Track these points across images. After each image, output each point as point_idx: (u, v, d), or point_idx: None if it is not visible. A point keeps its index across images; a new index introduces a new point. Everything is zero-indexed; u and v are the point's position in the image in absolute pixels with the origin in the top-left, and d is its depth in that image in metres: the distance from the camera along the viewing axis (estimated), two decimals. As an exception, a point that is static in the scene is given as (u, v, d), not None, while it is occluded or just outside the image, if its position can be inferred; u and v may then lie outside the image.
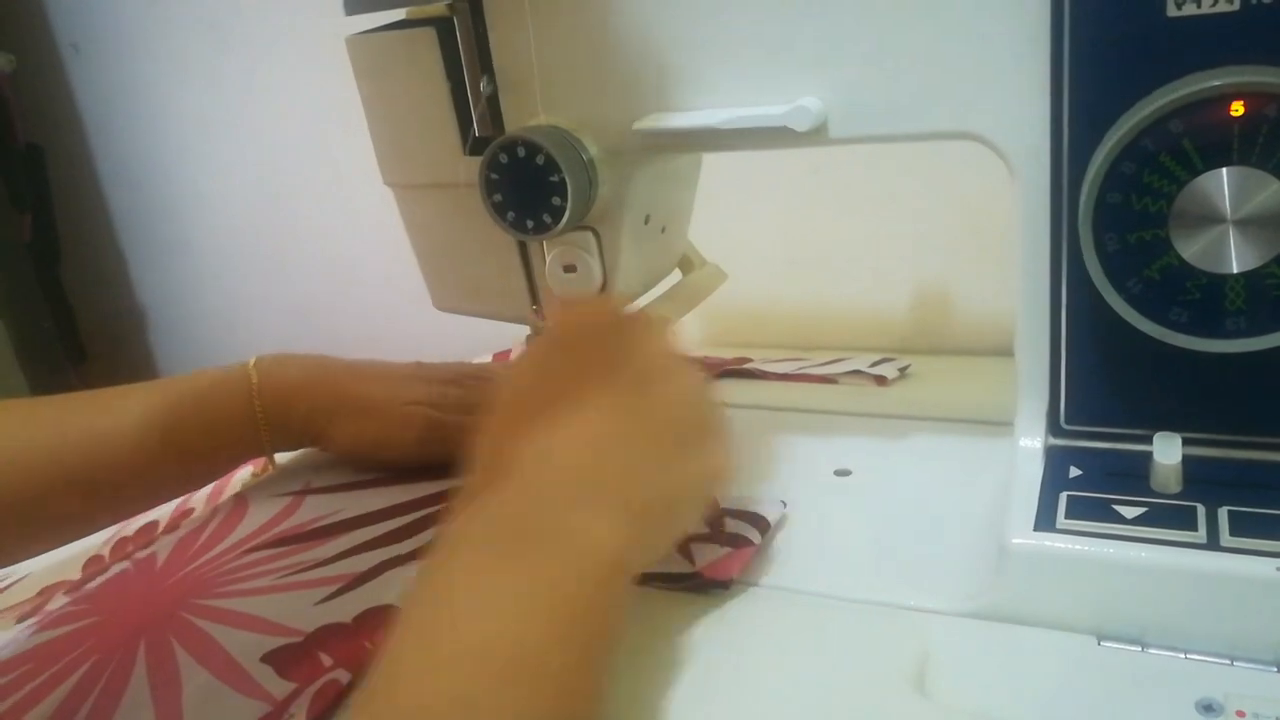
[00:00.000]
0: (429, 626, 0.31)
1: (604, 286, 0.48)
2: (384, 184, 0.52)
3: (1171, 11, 0.34)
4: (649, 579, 0.43)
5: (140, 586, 0.49)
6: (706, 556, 0.43)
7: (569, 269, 0.48)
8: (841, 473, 0.51)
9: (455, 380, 0.58)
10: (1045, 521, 0.37)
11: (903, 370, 0.63)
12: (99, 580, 0.50)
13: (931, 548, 0.43)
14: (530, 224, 0.44)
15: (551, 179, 0.43)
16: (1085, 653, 0.36)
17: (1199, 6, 0.34)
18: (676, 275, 0.57)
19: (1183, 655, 0.35)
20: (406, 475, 0.54)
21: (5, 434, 0.48)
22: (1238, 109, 0.33)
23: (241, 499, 0.56)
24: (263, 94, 0.98)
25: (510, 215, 0.44)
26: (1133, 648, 0.35)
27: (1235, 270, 0.35)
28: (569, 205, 0.43)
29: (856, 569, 0.43)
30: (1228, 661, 0.34)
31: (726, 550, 0.43)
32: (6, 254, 1.09)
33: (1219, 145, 0.34)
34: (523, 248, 0.50)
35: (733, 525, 0.45)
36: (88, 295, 1.20)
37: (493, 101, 0.46)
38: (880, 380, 0.61)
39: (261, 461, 0.57)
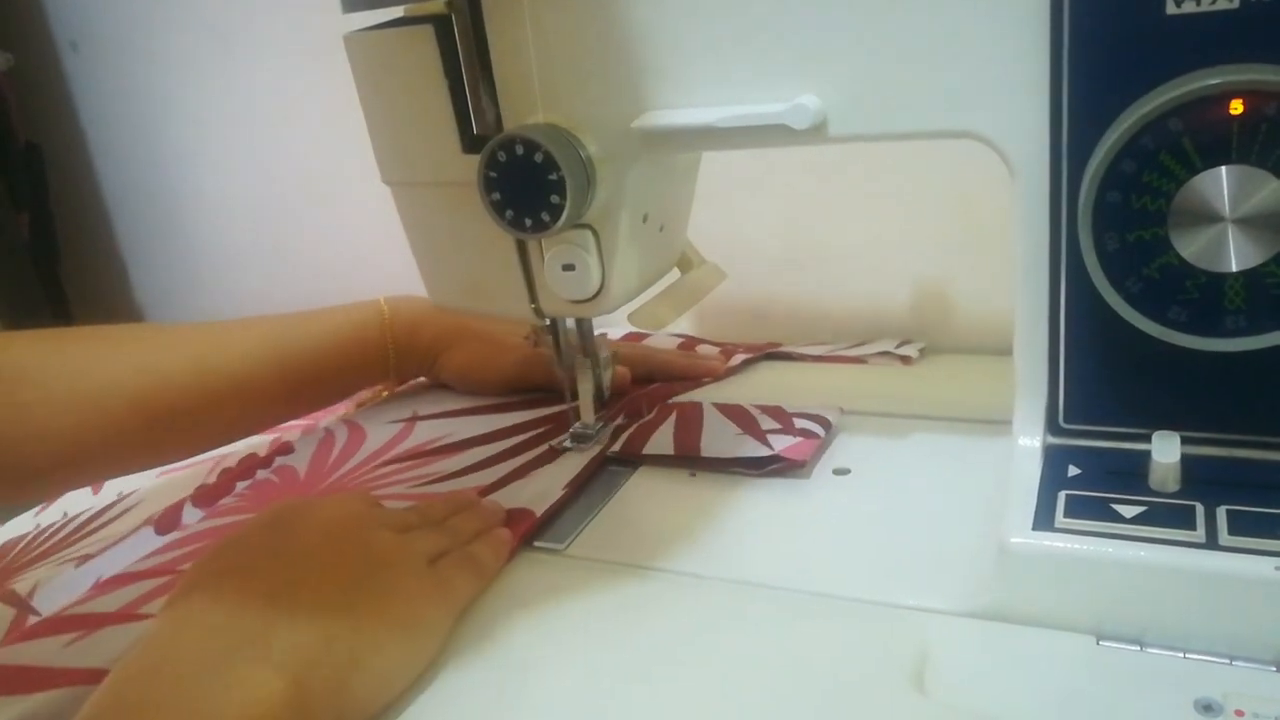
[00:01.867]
0: None
1: (602, 285, 0.48)
2: (382, 182, 0.52)
3: (1171, 9, 0.34)
4: (731, 463, 0.52)
5: (290, 491, 0.57)
6: (783, 443, 0.52)
7: (567, 267, 0.48)
8: (841, 471, 0.51)
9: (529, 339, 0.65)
10: (1044, 521, 0.37)
11: (921, 351, 0.67)
12: (243, 485, 0.58)
13: (930, 547, 0.43)
14: (529, 222, 0.44)
15: (550, 177, 0.43)
16: (1084, 652, 0.36)
17: (1198, 5, 0.34)
18: (675, 274, 0.57)
19: (1181, 655, 0.35)
20: (502, 407, 0.63)
21: (159, 346, 0.55)
22: (1237, 107, 0.33)
23: (355, 425, 0.65)
24: (262, 92, 0.98)
25: (509, 213, 0.44)
26: (1131, 647, 0.35)
27: (1234, 269, 0.35)
28: (567, 204, 0.43)
29: (855, 568, 0.43)
30: (1227, 661, 0.34)
31: (799, 439, 0.52)
32: (6, 254, 1.09)
33: (1218, 144, 0.34)
34: (521, 246, 0.50)
35: (800, 423, 0.54)
36: (88, 295, 1.20)
37: (491, 100, 0.46)
38: (905, 360, 0.65)
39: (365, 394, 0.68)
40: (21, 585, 0.51)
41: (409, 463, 0.58)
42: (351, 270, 1.01)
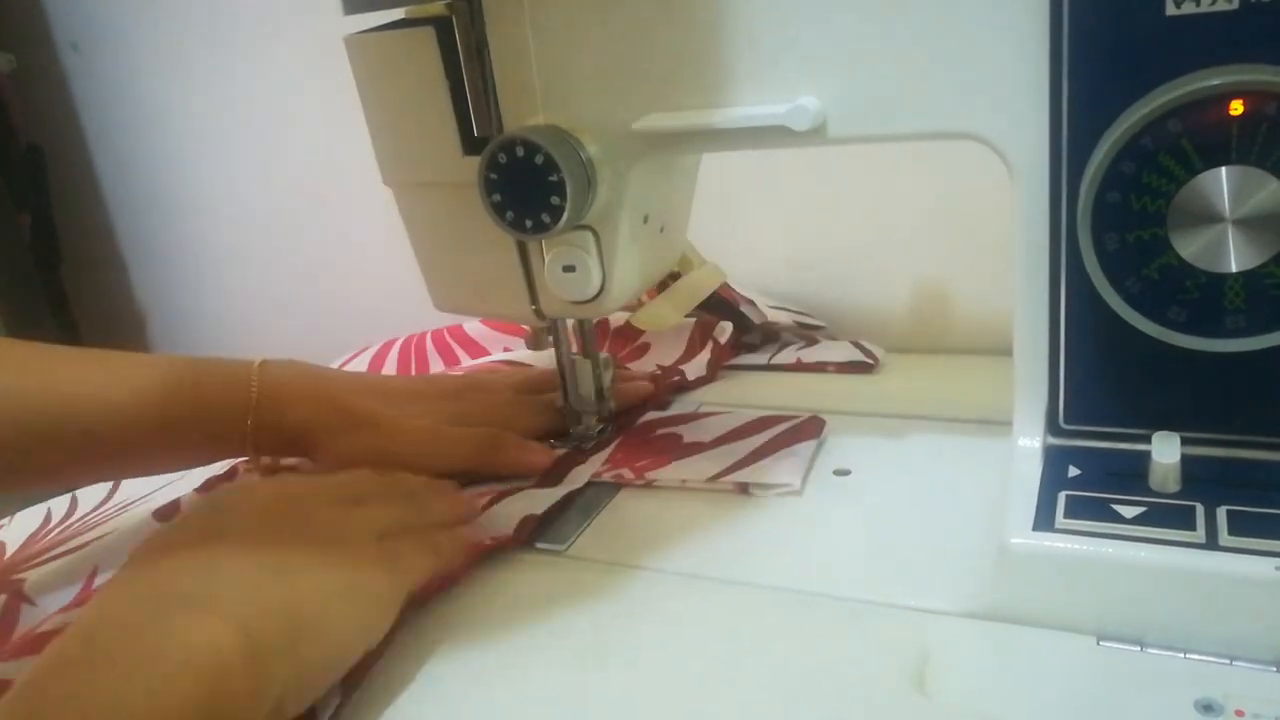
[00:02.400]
0: None
1: (603, 286, 0.48)
2: (383, 184, 0.52)
3: (1170, 10, 0.34)
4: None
5: None
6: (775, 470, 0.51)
7: (568, 268, 0.48)
8: (841, 473, 0.51)
9: (455, 395, 0.58)
10: (1044, 521, 0.37)
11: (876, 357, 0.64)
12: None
13: (930, 548, 0.43)
14: (529, 224, 0.44)
15: (550, 179, 0.43)
16: (1084, 652, 0.36)
17: (1198, 5, 0.34)
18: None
19: (1182, 655, 0.35)
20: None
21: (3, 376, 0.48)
22: (1237, 108, 0.33)
23: None
24: (262, 93, 0.98)
25: (509, 215, 0.44)
26: (1132, 647, 0.35)
27: (1234, 269, 0.35)
28: (568, 205, 0.43)
29: (856, 569, 0.43)
30: (1227, 661, 0.34)
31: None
32: (6, 254, 1.09)
33: (1218, 144, 0.34)
34: (522, 247, 0.50)
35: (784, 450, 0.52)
36: (88, 296, 1.20)
37: (491, 102, 0.46)
38: (867, 367, 0.63)
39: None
40: (21, 575, 0.51)
41: None
42: (351, 271, 1.01)
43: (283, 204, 1.03)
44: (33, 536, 0.59)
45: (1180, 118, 0.34)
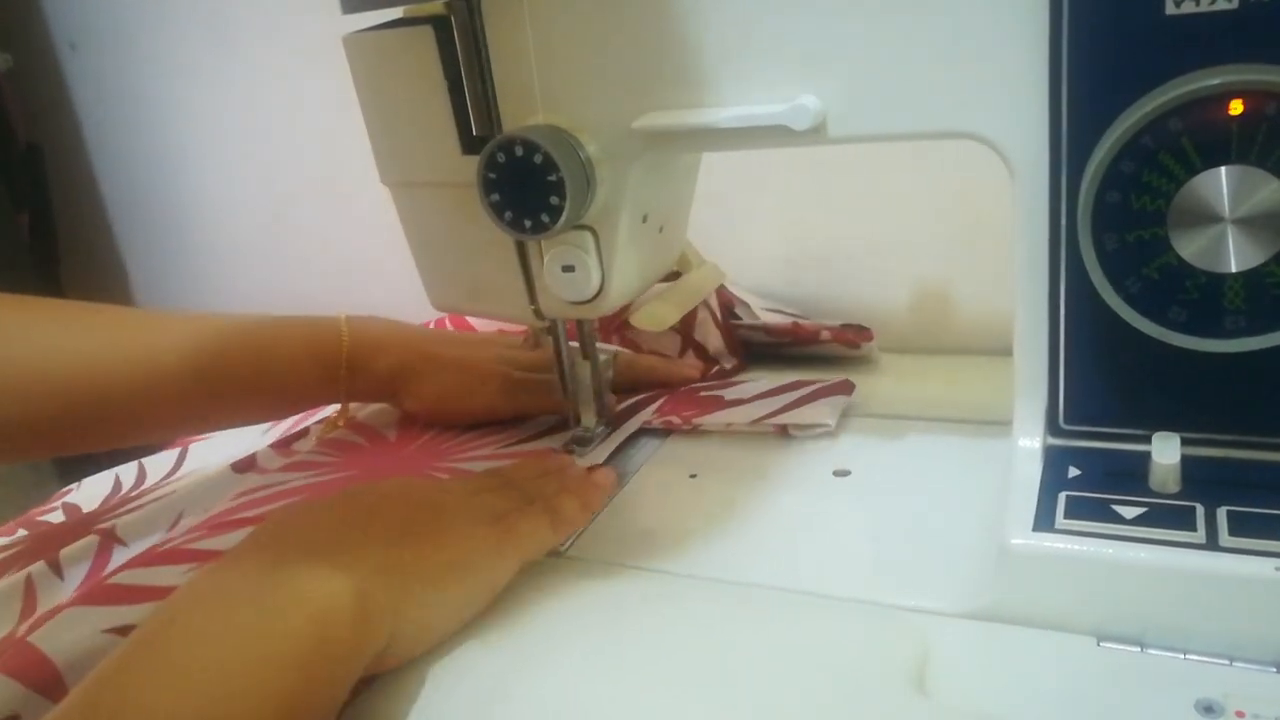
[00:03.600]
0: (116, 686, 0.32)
1: (602, 286, 0.48)
2: (381, 183, 0.52)
3: (1170, 10, 0.34)
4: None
5: (384, 452, 0.59)
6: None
7: (567, 268, 0.48)
8: (841, 473, 0.51)
9: (526, 345, 0.64)
10: (1044, 522, 0.37)
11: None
12: (324, 453, 0.59)
13: (931, 548, 0.43)
14: (528, 223, 0.44)
15: (549, 178, 0.43)
16: (1085, 653, 0.36)
17: (1198, 5, 0.34)
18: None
19: (1182, 655, 0.35)
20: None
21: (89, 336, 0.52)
22: (1236, 107, 0.33)
23: None
24: (261, 93, 0.98)
25: (508, 215, 0.44)
26: (1132, 648, 0.35)
27: (1234, 269, 0.35)
28: (567, 205, 0.43)
29: (856, 569, 0.43)
30: (1227, 662, 0.34)
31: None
32: (6, 254, 1.09)
33: (1218, 144, 0.34)
34: (521, 247, 0.50)
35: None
36: (88, 295, 1.20)
37: (490, 101, 0.46)
38: (861, 333, 0.64)
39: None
40: (109, 522, 0.55)
41: (490, 427, 0.61)
42: (351, 270, 1.01)
43: (281, 203, 1.03)
44: (107, 499, 0.63)
45: (1180, 117, 0.34)
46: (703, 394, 0.62)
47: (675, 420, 0.58)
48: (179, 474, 0.65)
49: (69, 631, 0.42)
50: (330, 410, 0.64)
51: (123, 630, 0.42)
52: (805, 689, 0.36)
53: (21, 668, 0.40)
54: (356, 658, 0.35)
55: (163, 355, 0.52)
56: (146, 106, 1.06)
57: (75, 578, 0.51)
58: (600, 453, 0.56)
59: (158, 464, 0.68)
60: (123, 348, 0.52)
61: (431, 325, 0.77)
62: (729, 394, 0.61)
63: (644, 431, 0.59)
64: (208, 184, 1.07)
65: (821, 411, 0.56)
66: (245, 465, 0.60)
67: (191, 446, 0.70)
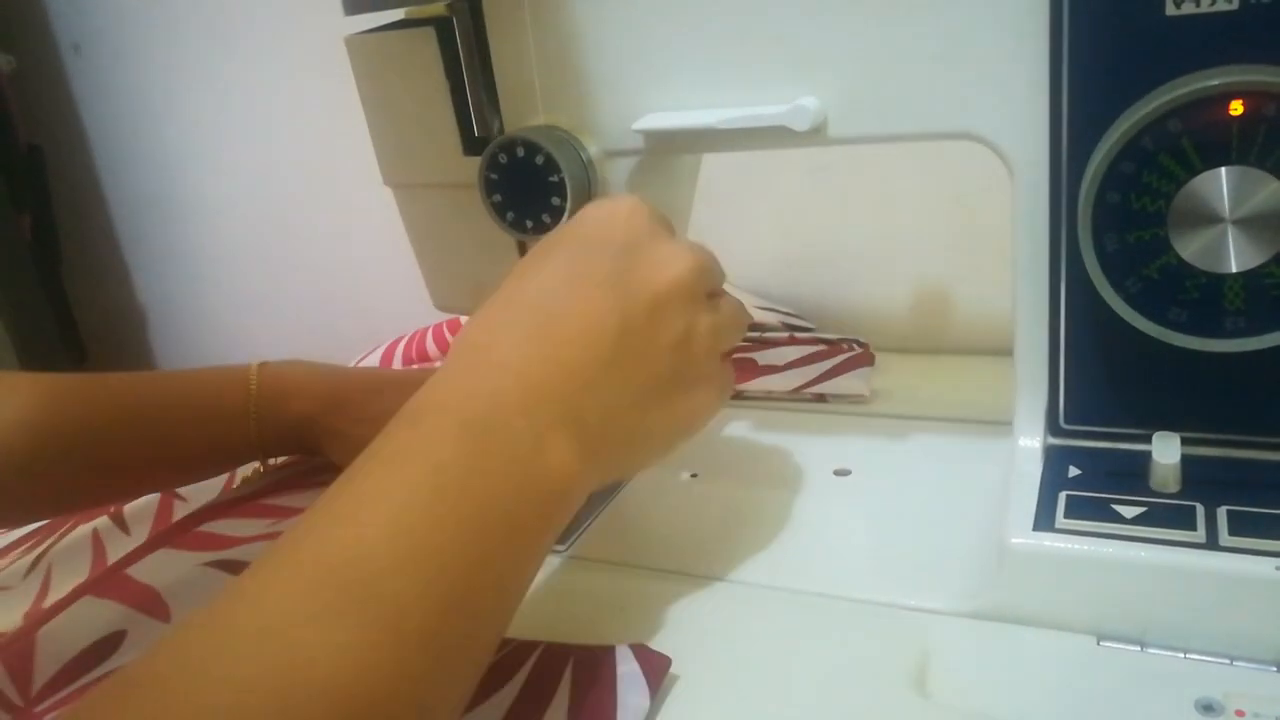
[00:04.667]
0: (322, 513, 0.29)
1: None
2: (384, 184, 0.52)
3: (1170, 10, 0.34)
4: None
5: None
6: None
7: (568, 269, 0.48)
8: (841, 473, 0.51)
9: None
10: (1044, 521, 0.37)
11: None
12: None
13: (931, 548, 0.43)
14: (530, 224, 0.44)
15: (551, 179, 0.43)
16: (1085, 652, 0.36)
17: (1198, 6, 0.34)
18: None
19: (1182, 655, 0.35)
20: None
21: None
22: (1237, 108, 0.33)
23: None
24: (263, 94, 0.98)
25: (510, 215, 0.44)
26: (1132, 647, 0.35)
27: (1234, 270, 0.35)
28: (568, 205, 0.43)
29: (856, 569, 0.43)
30: (1227, 661, 0.34)
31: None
32: (6, 254, 1.09)
33: (1218, 144, 0.34)
34: (522, 248, 0.50)
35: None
36: (88, 295, 1.21)
37: (491, 102, 0.46)
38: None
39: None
40: None
41: None
42: (353, 271, 1.01)
43: (283, 204, 1.03)
44: None
45: (1180, 118, 0.34)
46: (735, 356, 0.63)
47: None
48: None
49: (165, 566, 0.43)
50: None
51: (220, 564, 0.44)
52: (805, 688, 0.36)
53: (122, 594, 0.42)
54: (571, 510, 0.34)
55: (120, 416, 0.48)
56: (148, 108, 1.06)
57: (141, 534, 0.52)
58: None
59: None
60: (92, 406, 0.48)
61: (420, 337, 0.76)
62: (761, 358, 0.63)
63: None
64: (209, 185, 1.07)
65: (856, 383, 0.59)
66: None
67: None
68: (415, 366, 0.73)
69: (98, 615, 0.42)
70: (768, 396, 0.61)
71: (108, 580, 0.44)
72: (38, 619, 0.42)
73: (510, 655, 0.38)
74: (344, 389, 0.52)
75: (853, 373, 0.61)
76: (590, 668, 0.36)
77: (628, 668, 0.36)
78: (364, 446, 0.44)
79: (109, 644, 0.41)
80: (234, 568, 0.45)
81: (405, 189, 0.52)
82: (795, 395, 0.60)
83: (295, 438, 0.52)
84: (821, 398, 0.60)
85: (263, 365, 0.52)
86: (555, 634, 0.41)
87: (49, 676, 0.39)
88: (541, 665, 0.37)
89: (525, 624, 0.41)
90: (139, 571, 0.44)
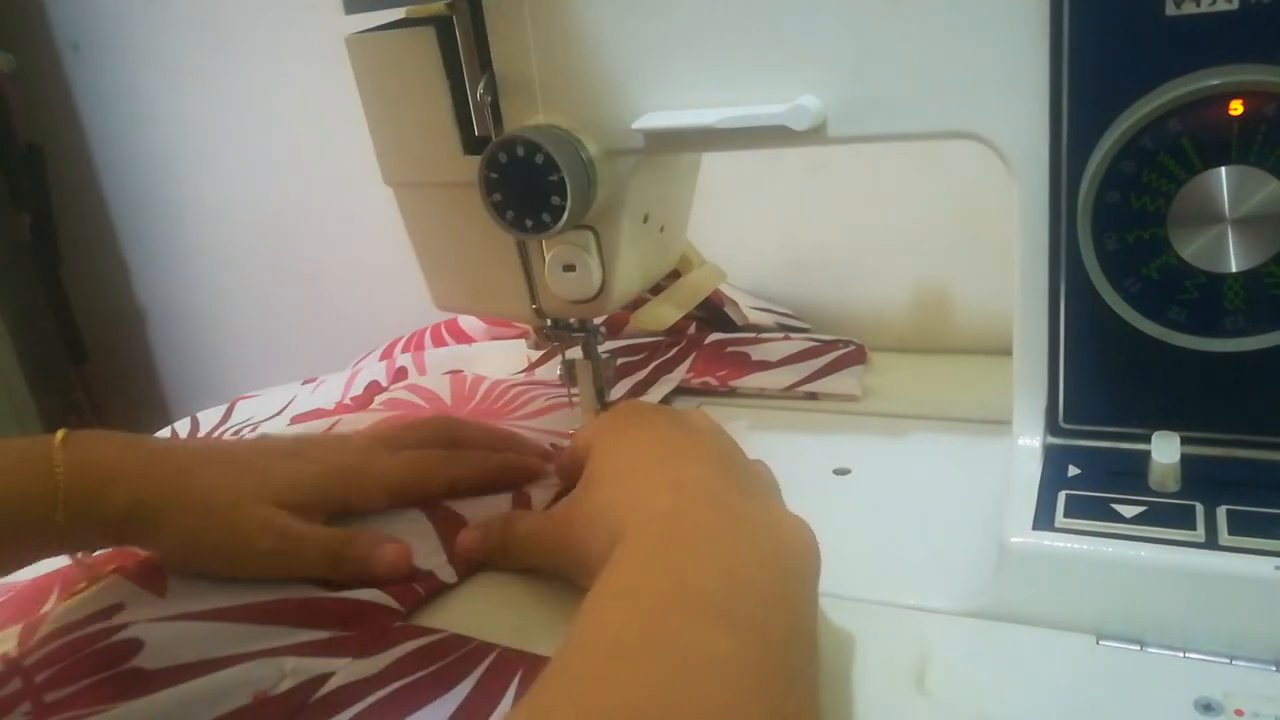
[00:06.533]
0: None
1: (603, 286, 0.48)
2: (384, 183, 0.52)
3: (1170, 10, 0.34)
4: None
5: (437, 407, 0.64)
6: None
7: (568, 268, 0.48)
8: (841, 472, 0.51)
9: (294, 453, 0.47)
10: (1044, 520, 0.37)
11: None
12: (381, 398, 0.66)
13: (931, 547, 0.43)
14: (529, 223, 0.44)
15: (551, 178, 0.43)
16: (1084, 652, 0.36)
17: (1198, 5, 0.34)
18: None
19: (1181, 654, 0.35)
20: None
21: None
22: (1236, 108, 0.33)
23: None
24: (263, 93, 0.98)
25: (510, 214, 0.44)
26: (1132, 647, 0.35)
27: (1234, 269, 0.35)
28: (568, 204, 0.43)
29: (856, 568, 0.43)
30: (1226, 660, 0.34)
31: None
32: (6, 254, 1.09)
33: (1218, 144, 0.34)
34: (522, 247, 0.50)
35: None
36: (88, 295, 1.21)
37: (492, 102, 0.46)
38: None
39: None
40: None
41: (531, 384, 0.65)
42: (352, 271, 1.01)
43: (283, 203, 1.03)
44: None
45: (1180, 118, 0.34)
46: (729, 350, 0.65)
47: (712, 382, 0.62)
48: (229, 425, 0.69)
49: None
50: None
51: None
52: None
53: (125, 570, 0.44)
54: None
55: None
56: (148, 107, 1.06)
57: None
58: None
59: (207, 418, 0.71)
60: None
61: (403, 341, 0.76)
62: (754, 353, 0.64)
63: (680, 391, 0.62)
64: (209, 185, 1.07)
65: (848, 383, 0.60)
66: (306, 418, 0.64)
67: (239, 403, 0.73)
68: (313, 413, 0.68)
69: (102, 589, 0.44)
70: (760, 394, 0.61)
71: (116, 555, 0.46)
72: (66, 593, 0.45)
73: (467, 655, 0.39)
74: (169, 471, 0.44)
75: (845, 371, 0.61)
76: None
77: None
78: (198, 545, 0.43)
79: (107, 612, 0.42)
80: None
81: (405, 188, 0.52)
82: (787, 393, 0.60)
83: (110, 533, 0.43)
84: (813, 396, 0.60)
85: (69, 438, 0.42)
86: (553, 634, 0.41)
87: (48, 641, 0.41)
88: (494, 669, 0.38)
89: (524, 624, 0.42)
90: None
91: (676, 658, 0.28)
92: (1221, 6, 0.34)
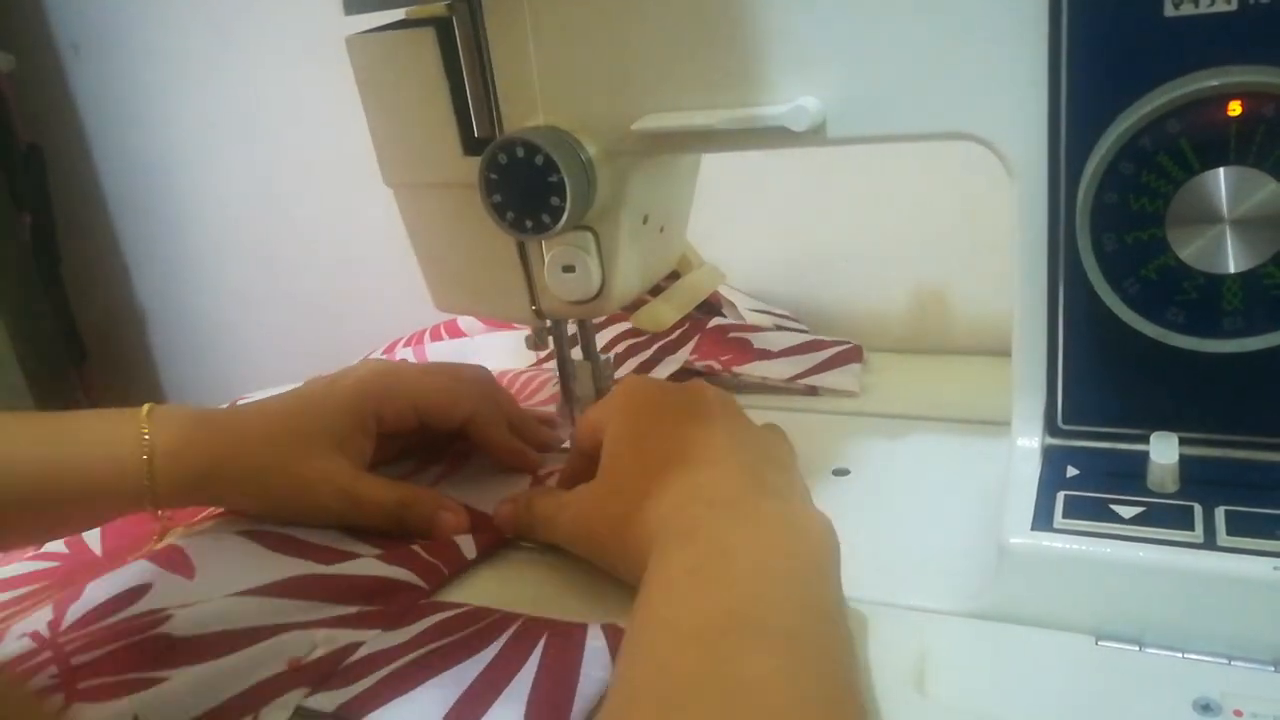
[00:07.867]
0: None
1: (603, 286, 0.48)
2: (384, 184, 0.52)
3: (1169, 11, 0.34)
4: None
5: None
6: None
7: (568, 269, 0.48)
8: (840, 472, 0.51)
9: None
10: (1043, 521, 0.37)
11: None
12: None
13: (930, 547, 0.43)
14: (529, 224, 0.44)
15: (550, 179, 0.43)
16: (1083, 652, 0.36)
17: (1197, 6, 0.34)
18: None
19: (1180, 655, 0.35)
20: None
21: None
22: (1235, 109, 0.33)
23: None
24: (263, 94, 0.99)
25: (509, 215, 0.44)
26: (1130, 647, 0.35)
27: (1232, 270, 0.35)
28: (568, 205, 0.43)
29: (855, 568, 0.42)
30: (1225, 661, 0.34)
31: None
32: (6, 254, 1.09)
33: (1216, 145, 0.34)
34: (522, 248, 0.50)
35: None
36: (88, 295, 1.20)
37: (491, 103, 0.46)
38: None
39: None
40: None
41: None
42: (352, 272, 1.01)
43: (282, 204, 1.03)
44: None
45: (1179, 118, 0.34)
46: (731, 335, 0.66)
47: (715, 366, 0.63)
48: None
49: (196, 532, 0.49)
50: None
51: (248, 533, 0.48)
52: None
53: (153, 554, 0.47)
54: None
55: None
56: (148, 108, 1.06)
57: None
58: None
59: None
60: None
61: (399, 347, 0.76)
62: (756, 340, 0.65)
63: (684, 371, 0.63)
64: (209, 185, 1.07)
65: (847, 379, 0.61)
66: None
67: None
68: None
69: (130, 569, 0.45)
70: (763, 384, 0.62)
71: (193, 512, 0.50)
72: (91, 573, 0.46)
73: (493, 624, 0.40)
74: (240, 439, 0.49)
75: (843, 368, 0.62)
76: (562, 641, 0.38)
77: (596, 643, 0.38)
78: (270, 505, 0.50)
79: (135, 594, 0.44)
80: (263, 537, 0.48)
81: (406, 189, 0.52)
82: (789, 385, 0.61)
83: (192, 490, 0.48)
84: (813, 390, 0.61)
85: (156, 411, 0.48)
86: (539, 612, 0.41)
87: (77, 616, 0.42)
88: (519, 634, 0.39)
89: (514, 598, 0.42)
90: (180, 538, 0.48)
91: (727, 687, 0.29)
92: (1220, 7, 0.34)
